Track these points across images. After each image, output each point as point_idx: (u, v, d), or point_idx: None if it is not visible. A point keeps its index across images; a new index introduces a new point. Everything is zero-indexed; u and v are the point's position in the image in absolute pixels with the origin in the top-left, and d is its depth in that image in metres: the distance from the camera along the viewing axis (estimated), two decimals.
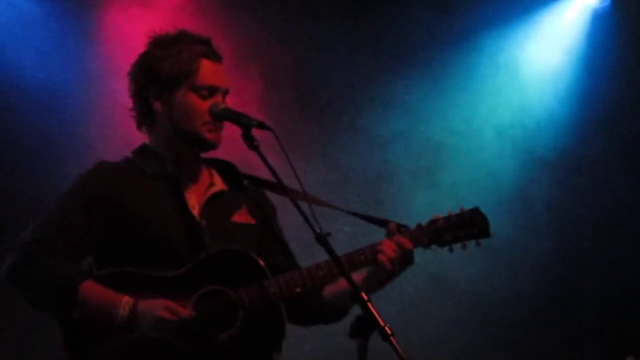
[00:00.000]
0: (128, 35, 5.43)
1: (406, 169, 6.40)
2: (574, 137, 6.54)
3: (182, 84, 3.48)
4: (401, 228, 3.60)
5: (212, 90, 3.50)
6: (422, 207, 6.18)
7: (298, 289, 3.44)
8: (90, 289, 3.30)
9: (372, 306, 2.98)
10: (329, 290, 3.61)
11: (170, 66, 3.49)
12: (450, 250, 3.63)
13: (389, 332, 2.92)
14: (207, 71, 3.51)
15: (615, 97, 6.46)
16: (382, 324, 2.93)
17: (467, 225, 3.63)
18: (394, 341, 2.91)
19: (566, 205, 6.55)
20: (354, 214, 3.73)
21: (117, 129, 4.40)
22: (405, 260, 3.53)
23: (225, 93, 3.55)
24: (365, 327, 2.97)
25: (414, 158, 6.42)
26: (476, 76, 6.49)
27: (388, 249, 3.50)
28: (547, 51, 6.51)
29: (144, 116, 3.57)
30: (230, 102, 3.56)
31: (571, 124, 6.52)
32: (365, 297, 2.99)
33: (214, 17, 5.94)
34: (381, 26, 6.37)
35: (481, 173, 6.47)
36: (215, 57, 3.57)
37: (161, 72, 3.50)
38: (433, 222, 3.62)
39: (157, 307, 3.26)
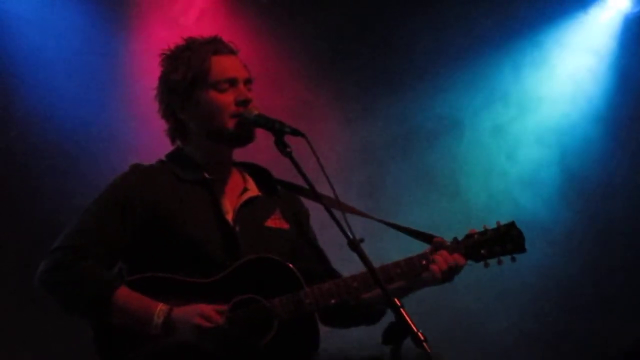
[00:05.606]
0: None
1: None
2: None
3: (199, 86, 3.50)
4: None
5: (231, 82, 3.51)
6: None
7: (333, 300, 3.42)
8: (125, 295, 3.31)
9: (405, 312, 2.96)
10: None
11: (184, 73, 3.51)
12: (486, 265, 3.60)
13: (422, 337, 2.90)
14: (220, 66, 3.52)
15: None
16: (415, 329, 2.91)
17: (503, 240, 3.59)
18: (427, 347, 2.89)
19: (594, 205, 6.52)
20: (392, 225, 3.68)
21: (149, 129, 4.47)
22: (453, 274, 3.53)
23: (247, 82, 3.55)
24: (398, 333, 2.95)
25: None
26: (504, 79, 6.53)
27: (443, 262, 3.49)
28: (578, 55, 6.50)
29: (176, 129, 3.60)
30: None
31: (599, 134, 6.50)
32: (398, 303, 2.97)
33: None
34: (413, 32, 6.46)
35: (513, 169, 6.53)
36: (226, 50, 3.58)
37: (177, 81, 3.53)
38: (469, 236, 3.60)
39: (192, 313, 3.25)
